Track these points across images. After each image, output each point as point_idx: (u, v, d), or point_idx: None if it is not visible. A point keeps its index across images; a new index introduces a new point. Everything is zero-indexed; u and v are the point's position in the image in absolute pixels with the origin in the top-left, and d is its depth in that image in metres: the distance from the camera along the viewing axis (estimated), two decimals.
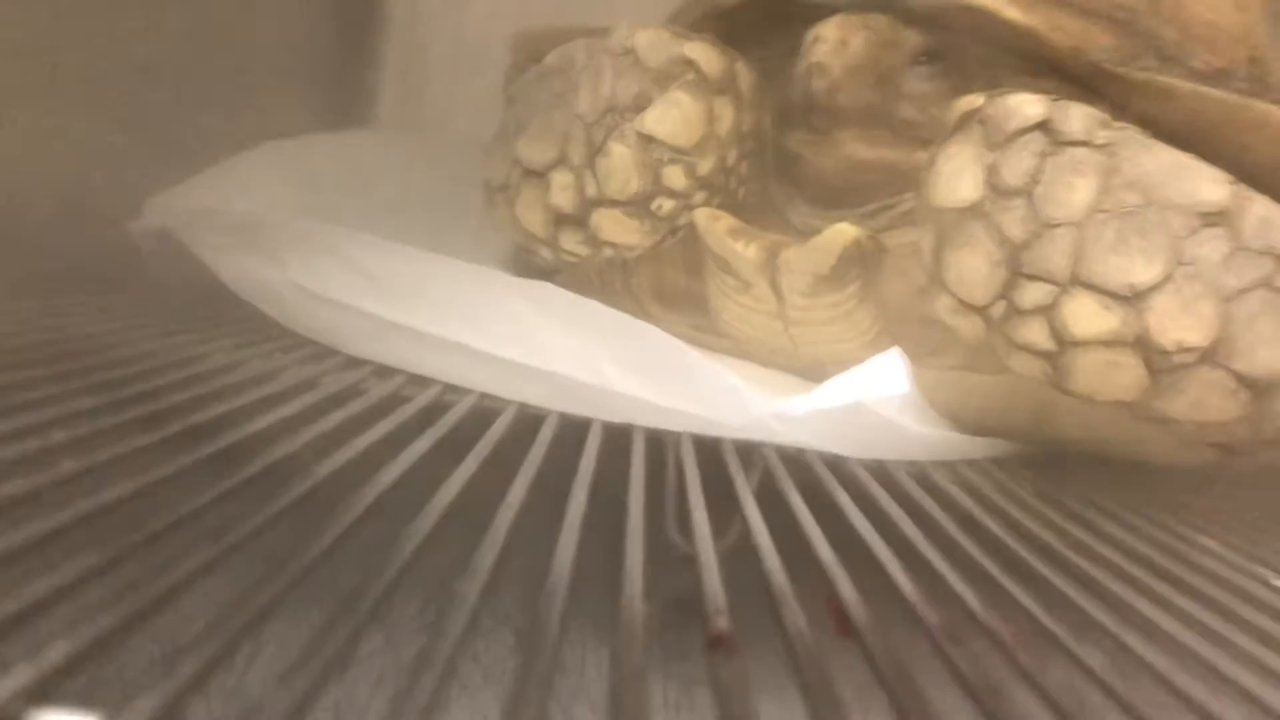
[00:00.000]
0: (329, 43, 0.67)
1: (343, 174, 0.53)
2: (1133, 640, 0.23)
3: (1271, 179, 0.35)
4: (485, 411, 0.34)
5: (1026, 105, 0.31)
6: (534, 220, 0.39)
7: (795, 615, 0.22)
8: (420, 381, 0.36)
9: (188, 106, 0.53)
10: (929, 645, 0.22)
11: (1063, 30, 0.35)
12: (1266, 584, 0.28)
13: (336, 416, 0.31)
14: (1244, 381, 0.30)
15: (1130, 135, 0.31)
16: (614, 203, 0.37)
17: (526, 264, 0.43)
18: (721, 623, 0.21)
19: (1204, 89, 0.34)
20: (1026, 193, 0.30)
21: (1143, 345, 0.30)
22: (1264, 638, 0.24)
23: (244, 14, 0.58)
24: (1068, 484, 0.36)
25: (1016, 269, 0.31)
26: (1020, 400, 0.35)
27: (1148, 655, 0.22)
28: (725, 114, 0.37)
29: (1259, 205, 0.30)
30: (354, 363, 0.37)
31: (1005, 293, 0.31)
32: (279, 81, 0.62)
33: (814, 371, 0.39)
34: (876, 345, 0.37)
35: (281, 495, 0.25)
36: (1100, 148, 0.30)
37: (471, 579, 0.22)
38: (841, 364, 0.38)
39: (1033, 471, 0.36)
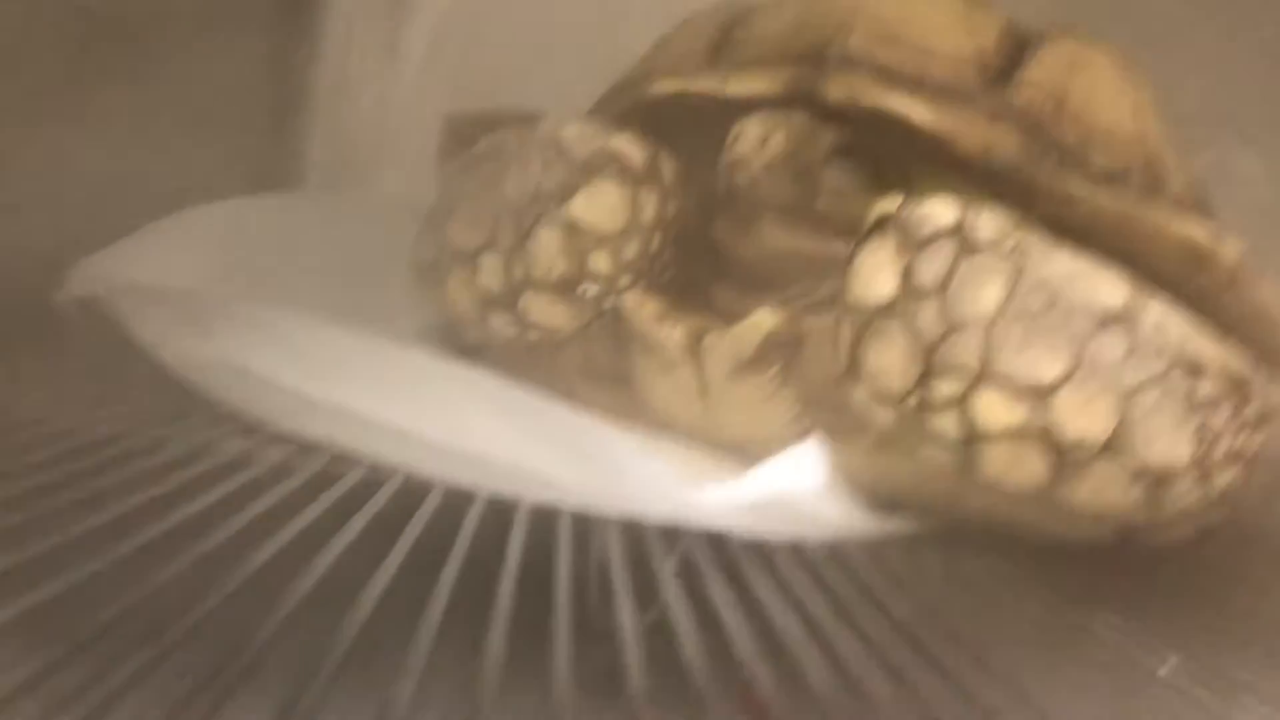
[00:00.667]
0: (260, 102, 0.68)
1: (268, 239, 0.53)
2: None
3: (1166, 277, 0.38)
4: (414, 490, 0.35)
5: (941, 210, 0.33)
6: (463, 301, 0.40)
7: (713, 707, 0.23)
8: (348, 459, 0.36)
9: (115, 164, 0.53)
10: None
11: (970, 135, 0.37)
12: (1155, 674, 0.30)
13: (269, 498, 0.32)
14: (1140, 472, 0.32)
15: (1036, 241, 0.32)
16: (541, 286, 0.38)
17: (457, 335, 0.44)
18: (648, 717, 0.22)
19: (1099, 198, 0.37)
20: (940, 293, 0.32)
21: (1047, 438, 0.32)
22: None
23: (175, 73, 0.58)
24: (982, 559, 0.38)
25: (930, 364, 0.32)
26: (933, 480, 0.36)
27: None
28: (649, 202, 0.39)
29: (1155, 307, 0.32)
30: (281, 438, 0.37)
31: (919, 386, 0.32)
32: (208, 140, 0.62)
33: (737, 449, 0.40)
34: (797, 426, 0.38)
35: (221, 584, 0.25)
36: (1008, 252, 0.32)
37: (408, 670, 0.23)
38: (763, 443, 0.39)
39: (948, 548, 0.38)
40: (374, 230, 0.60)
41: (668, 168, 0.40)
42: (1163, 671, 0.30)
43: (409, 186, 0.60)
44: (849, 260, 0.34)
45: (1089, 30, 0.45)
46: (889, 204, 0.34)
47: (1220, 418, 0.33)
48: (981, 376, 0.32)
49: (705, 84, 0.40)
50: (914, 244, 0.33)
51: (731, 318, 0.39)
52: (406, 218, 0.58)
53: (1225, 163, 0.63)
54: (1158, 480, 0.32)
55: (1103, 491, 0.32)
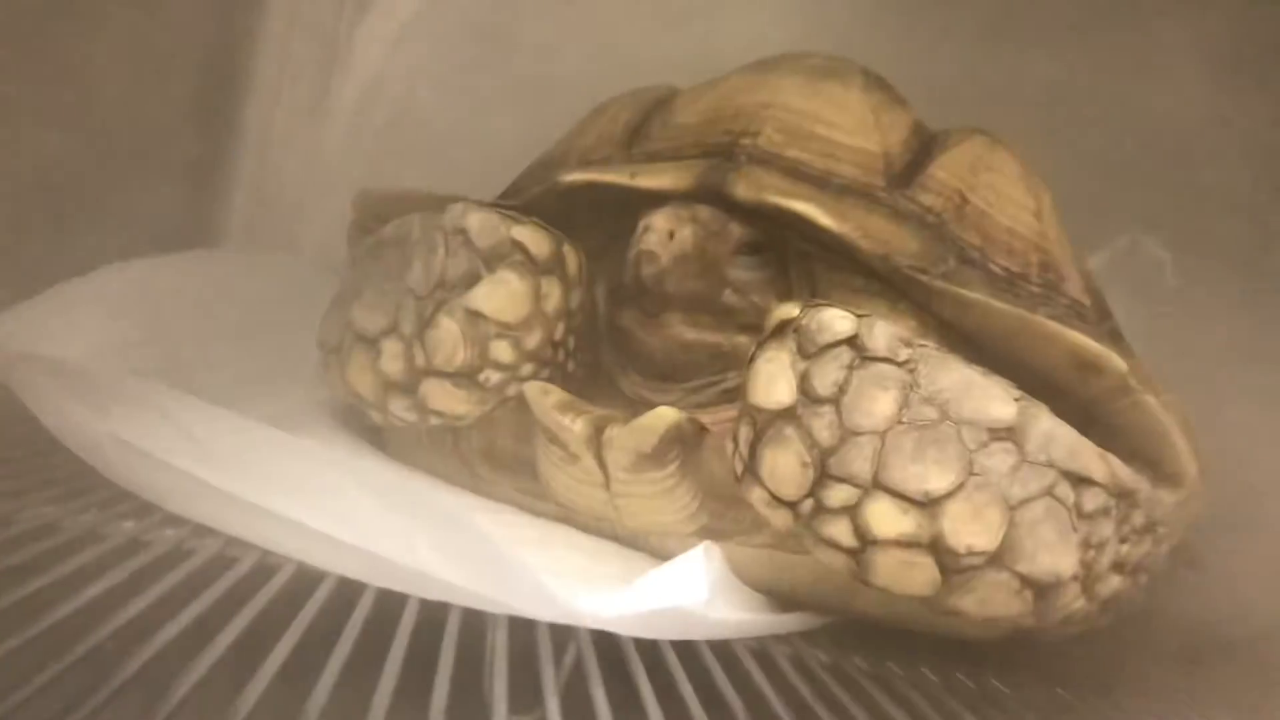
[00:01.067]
0: (182, 155, 0.66)
1: (183, 300, 0.52)
2: None
3: (1059, 381, 0.39)
4: (305, 581, 0.34)
5: (837, 321, 0.33)
6: (364, 384, 0.40)
7: None
8: (241, 544, 0.36)
9: (26, 216, 0.52)
10: None
11: (871, 238, 0.38)
12: None
13: (163, 584, 0.31)
14: (1027, 582, 0.33)
15: (929, 353, 0.33)
16: (442, 374, 0.38)
17: (360, 414, 0.44)
18: None
19: (991, 301, 0.37)
20: (835, 401, 0.33)
21: (936, 547, 0.32)
22: None
23: (95, 117, 0.57)
24: (870, 658, 0.38)
25: (824, 470, 0.33)
26: (828, 578, 0.37)
27: None
28: (552, 293, 0.39)
29: (1043, 421, 0.33)
30: (175, 520, 0.37)
31: (813, 491, 0.33)
32: (128, 193, 0.61)
33: (637, 540, 0.41)
34: (695, 519, 0.39)
35: (115, 674, 0.25)
36: (902, 364, 0.32)
37: None
38: (662, 534, 0.40)
39: (838, 646, 0.39)
40: (293, 290, 0.60)
41: (572, 258, 0.40)
42: None
43: (332, 247, 0.60)
44: (750, 362, 0.35)
45: (998, 127, 0.46)
46: (788, 310, 0.34)
47: (1106, 529, 0.34)
48: (874, 485, 0.32)
49: (615, 176, 0.41)
50: (811, 352, 0.33)
51: (638, 405, 0.40)
52: (326, 278, 0.59)
53: (1136, 249, 0.65)
54: (1044, 589, 0.33)
55: (991, 599, 0.33)
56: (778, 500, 0.34)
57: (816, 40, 0.49)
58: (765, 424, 0.34)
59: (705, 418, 0.38)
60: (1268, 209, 0.64)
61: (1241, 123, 0.60)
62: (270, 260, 0.64)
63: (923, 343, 0.33)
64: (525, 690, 0.30)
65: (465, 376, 0.38)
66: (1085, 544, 0.33)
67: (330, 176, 0.70)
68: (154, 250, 0.54)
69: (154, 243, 0.55)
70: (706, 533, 0.39)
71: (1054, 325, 0.37)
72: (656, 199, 0.39)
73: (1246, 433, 0.56)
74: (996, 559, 0.32)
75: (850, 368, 0.33)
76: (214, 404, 0.38)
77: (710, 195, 0.40)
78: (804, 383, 0.33)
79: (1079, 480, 0.33)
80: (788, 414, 0.33)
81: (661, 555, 0.39)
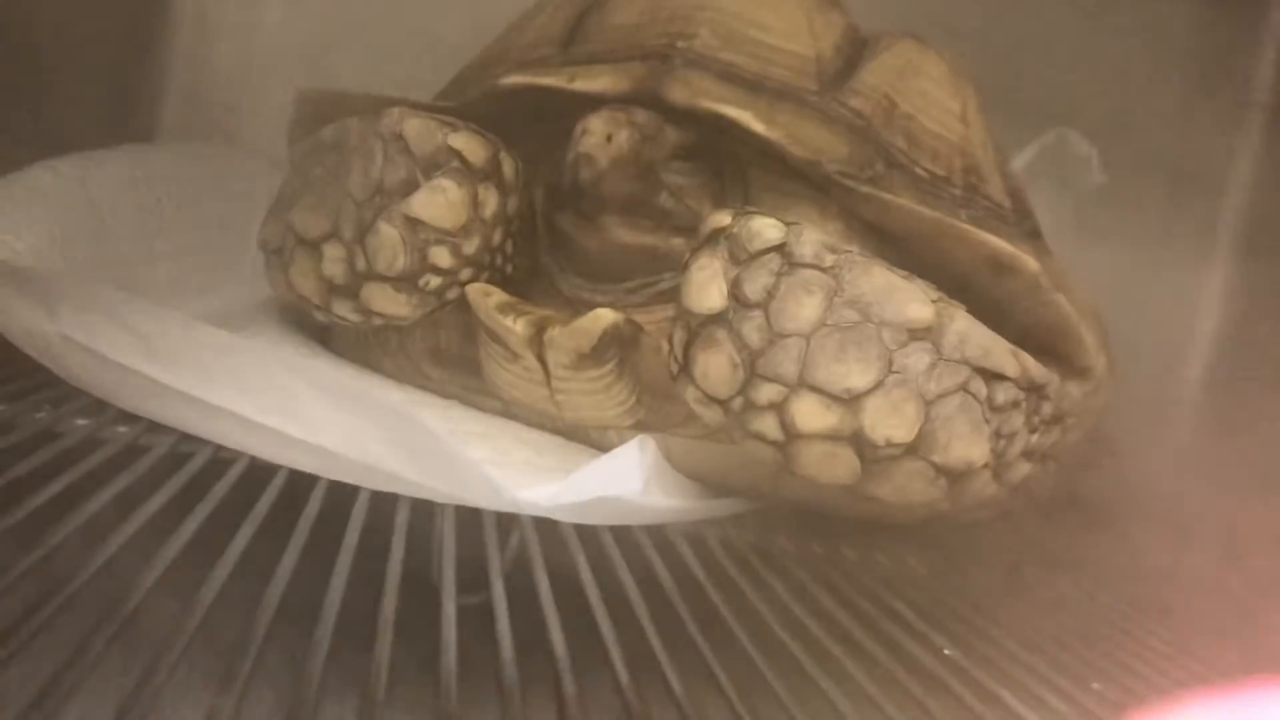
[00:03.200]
0: (113, 47, 0.65)
1: (119, 195, 0.51)
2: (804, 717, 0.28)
3: (977, 280, 0.41)
4: (258, 475, 0.35)
5: (767, 229, 0.35)
6: (307, 287, 0.41)
7: (520, 708, 0.26)
8: (194, 440, 0.36)
9: None
10: None
11: (801, 143, 0.39)
12: (939, 652, 0.33)
13: (120, 482, 0.32)
14: (941, 470, 0.35)
15: (853, 258, 0.34)
16: (383, 278, 0.39)
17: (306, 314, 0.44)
18: (450, 708, 0.25)
19: (912, 205, 0.39)
20: (764, 306, 0.34)
21: (857, 440, 0.34)
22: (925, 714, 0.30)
23: (19, 23, 0.56)
24: (794, 540, 0.41)
25: (753, 371, 0.34)
26: (757, 466, 0.38)
27: None
28: (489, 199, 0.40)
29: (959, 321, 0.34)
30: (128, 417, 0.37)
31: (743, 390, 0.35)
32: (60, 86, 0.60)
33: (577, 432, 0.42)
34: (633, 413, 0.40)
35: (76, 573, 0.26)
36: (827, 270, 0.34)
37: (245, 656, 0.25)
38: (602, 427, 0.41)
39: (764, 530, 0.41)
40: (232, 183, 0.60)
41: (508, 165, 0.41)
42: (947, 651, 0.34)
43: (269, 139, 0.60)
44: (684, 268, 0.36)
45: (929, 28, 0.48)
46: (721, 218, 0.36)
47: (1016, 420, 0.36)
48: (800, 383, 0.34)
49: (552, 79, 0.41)
50: (742, 259, 0.35)
51: (578, 304, 0.41)
52: (265, 171, 0.59)
53: (1063, 143, 0.67)
54: (958, 476, 0.35)
55: (908, 486, 0.35)
56: (710, 398, 0.36)
57: None
58: (698, 328, 0.35)
59: (642, 317, 0.40)
60: (1191, 102, 0.67)
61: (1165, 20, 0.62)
62: (205, 151, 0.62)
63: (847, 249, 0.35)
64: (472, 575, 0.32)
65: (406, 280, 0.39)
66: (996, 435, 0.35)
67: (263, 70, 0.69)
68: (85, 147, 0.54)
69: (84, 140, 0.54)
70: (643, 425, 0.40)
71: (971, 229, 0.39)
72: (593, 102, 0.40)
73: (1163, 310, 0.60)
74: (913, 449, 0.34)
75: (779, 274, 0.34)
76: (159, 303, 0.39)
77: (646, 98, 0.40)
78: (735, 288, 0.35)
79: (992, 376, 0.35)
80: (719, 318, 0.35)
81: (601, 447, 0.40)
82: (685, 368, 0.36)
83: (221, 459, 0.36)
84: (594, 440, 0.42)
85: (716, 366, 0.35)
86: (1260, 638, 0.37)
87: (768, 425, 0.35)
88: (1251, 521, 0.45)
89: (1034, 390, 0.37)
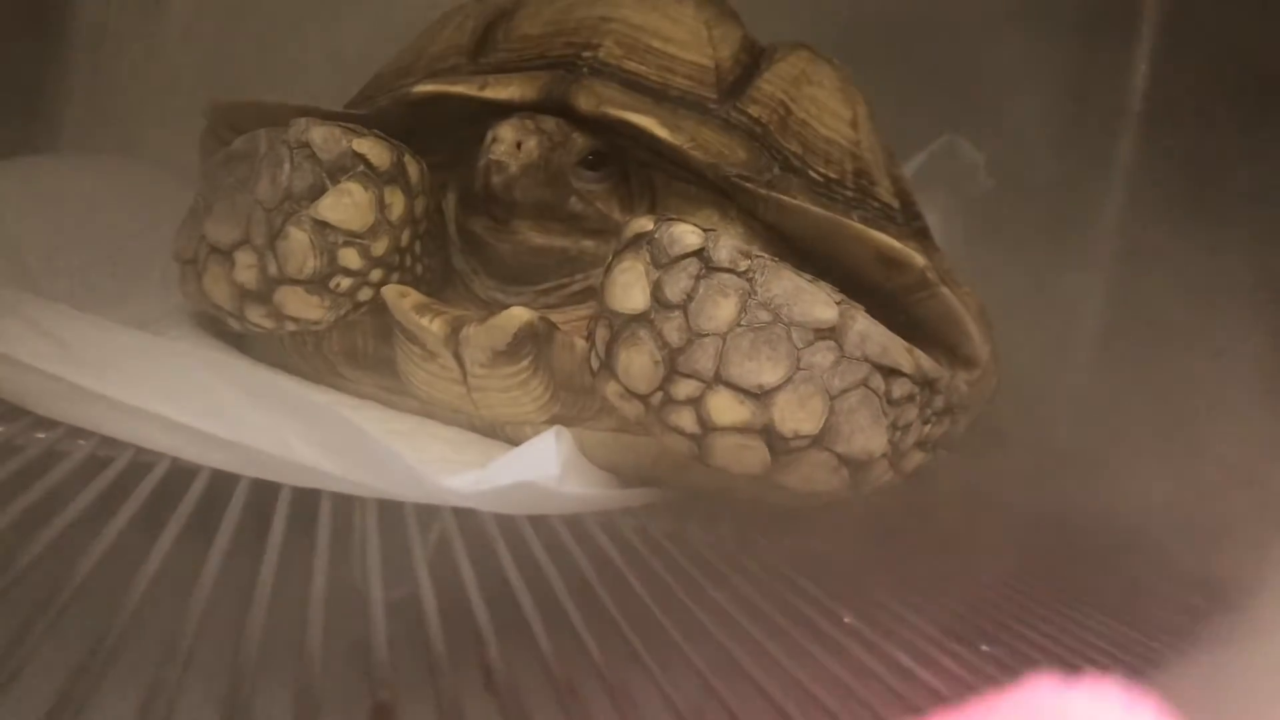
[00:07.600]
0: (12, 58, 0.63)
1: (22, 206, 0.50)
2: (720, 683, 0.30)
3: (869, 275, 0.44)
4: (180, 476, 0.35)
5: (687, 235, 0.36)
6: (220, 295, 0.40)
7: (450, 679, 0.27)
8: (113, 444, 0.36)
9: None
10: (555, 699, 0.28)
11: (703, 148, 0.40)
12: (840, 622, 0.36)
13: (38, 488, 0.33)
14: (844, 460, 0.36)
15: (765, 263, 0.36)
16: (294, 281, 0.39)
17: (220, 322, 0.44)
18: (384, 694, 0.26)
19: (809, 207, 0.40)
20: (683, 307, 0.36)
21: (768, 432, 0.36)
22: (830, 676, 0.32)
23: None
24: (713, 524, 0.43)
25: (673, 368, 0.36)
26: (668, 458, 0.40)
27: (730, 698, 0.29)
28: (395, 201, 0.40)
29: (860, 322, 0.36)
30: (45, 423, 0.37)
31: (663, 385, 0.36)
32: None
33: (494, 429, 0.43)
34: (548, 409, 0.41)
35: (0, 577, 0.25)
36: (742, 274, 0.35)
37: (175, 655, 0.25)
38: (518, 423, 0.42)
39: (678, 518, 0.42)
40: (137, 195, 0.59)
41: (413, 168, 0.41)
42: (848, 620, 0.36)
43: (173, 149, 0.60)
44: (607, 271, 0.37)
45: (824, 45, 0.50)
46: (643, 224, 0.37)
47: (911, 413, 0.38)
48: (715, 380, 0.35)
49: (463, 87, 0.41)
50: (664, 263, 0.36)
51: (491, 305, 0.41)
52: (170, 183, 0.59)
53: (952, 150, 0.71)
54: (859, 465, 0.37)
55: (813, 475, 0.37)
56: (631, 394, 0.37)
57: None
58: (621, 327, 0.37)
59: (555, 317, 0.40)
60: (1070, 100, 0.71)
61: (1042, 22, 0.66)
62: (106, 162, 0.60)
63: (759, 254, 0.36)
64: (396, 565, 0.34)
65: (317, 283, 0.40)
66: (893, 426, 0.37)
67: (166, 78, 0.69)
68: None
69: None
70: (558, 420, 0.41)
71: (861, 228, 0.40)
72: (503, 109, 0.40)
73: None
74: (818, 441, 0.36)
75: (698, 277, 0.36)
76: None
77: (554, 106, 0.41)
78: (657, 290, 0.36)
79: (889, 372, 0.37)
80: (641, 318, 0.36)
81: (517, 443, 0.40)
82: (607, 364, 0.37)
83: (142, 463, 0.36)
84: (510, 436, 0.42)
85: (639, 363, 0.37)
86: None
87: (685, 419, 0.37)
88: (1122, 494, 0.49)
89: (927, 384, 0.38)
